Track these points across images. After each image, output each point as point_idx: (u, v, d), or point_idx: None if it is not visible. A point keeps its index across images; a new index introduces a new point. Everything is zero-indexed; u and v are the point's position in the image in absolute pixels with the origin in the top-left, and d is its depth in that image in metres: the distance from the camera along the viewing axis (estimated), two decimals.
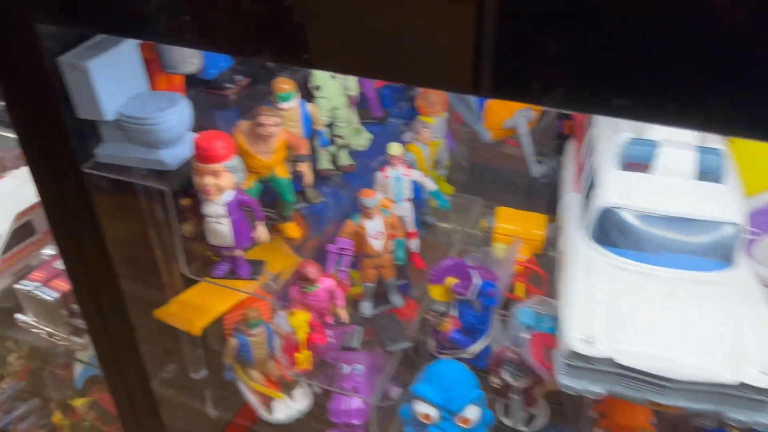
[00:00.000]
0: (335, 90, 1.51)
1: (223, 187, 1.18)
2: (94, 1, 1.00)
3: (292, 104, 1.36)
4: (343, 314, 1.36)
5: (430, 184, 1.52)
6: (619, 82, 0.65)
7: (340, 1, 0.71)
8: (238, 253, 1.30)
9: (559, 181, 1.63)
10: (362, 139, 1.59)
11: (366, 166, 1.61)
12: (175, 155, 1.23)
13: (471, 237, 1.68)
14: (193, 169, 1.19)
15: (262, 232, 1.27)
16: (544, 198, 1.69)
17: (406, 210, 1.52)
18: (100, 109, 1.18)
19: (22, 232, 1.81)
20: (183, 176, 1.25)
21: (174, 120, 1.20)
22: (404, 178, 1.49)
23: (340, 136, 1.56)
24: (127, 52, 1.20)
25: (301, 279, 1.31)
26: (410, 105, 1.84)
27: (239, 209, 1.23)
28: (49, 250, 1.75)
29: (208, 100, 1.52)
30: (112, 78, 1.18)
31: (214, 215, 1.21)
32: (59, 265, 1.68)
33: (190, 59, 1.28)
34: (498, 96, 0.73)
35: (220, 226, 1.22)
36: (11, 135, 1.90)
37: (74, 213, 1.26)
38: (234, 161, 1.18)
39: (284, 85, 1.34)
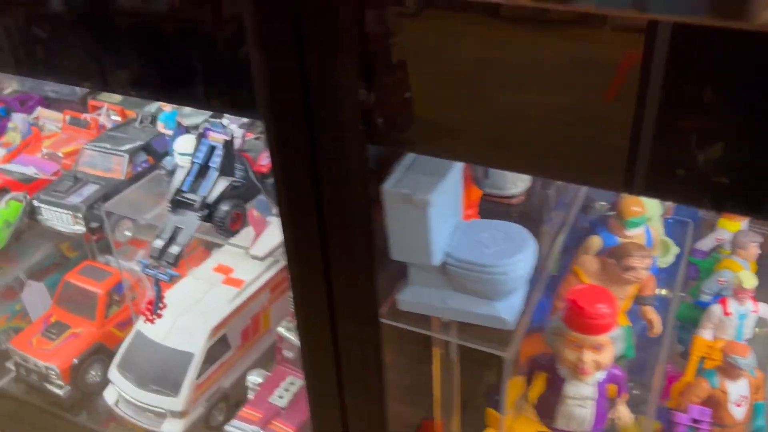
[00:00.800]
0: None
1: (603, 364, 0.85)
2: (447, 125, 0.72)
3: (641, 230, 1.03)
4: None
5: None
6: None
7: (492, 95, 0.65)
8: None
9: None
10: (670, 255, 1.25)
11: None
12: (512, 309, 0.92)
13: None
14: (560, 337, 0.87)
15: (625, 413, 0.93)
16: None
17: None
18: (429, 251, 0.87)
19: (216, 349, 1.52)
20: (515, 336, 0.93)
21: (524, 268, 0.88)
22: (751, 315, 1.14)
23: None
24: (455, 176, 0.90)
25: None
26: None
27: (607, 387, 0.90)
28: (256, 377, 1.45)
29: (488, 210, 1.21)
30: (442, 211, 0.88)
31: (579, 397, 0.88)
32: (277, 400, 1.38)
33: (520, 178, 0.97)
34: (650, 195, 0.67)
35: (583, 410, 0.88)
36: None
37: (354, 364, 0.97)
38: (619, 329, 0.85)
39: (636, 207, 1.01)
